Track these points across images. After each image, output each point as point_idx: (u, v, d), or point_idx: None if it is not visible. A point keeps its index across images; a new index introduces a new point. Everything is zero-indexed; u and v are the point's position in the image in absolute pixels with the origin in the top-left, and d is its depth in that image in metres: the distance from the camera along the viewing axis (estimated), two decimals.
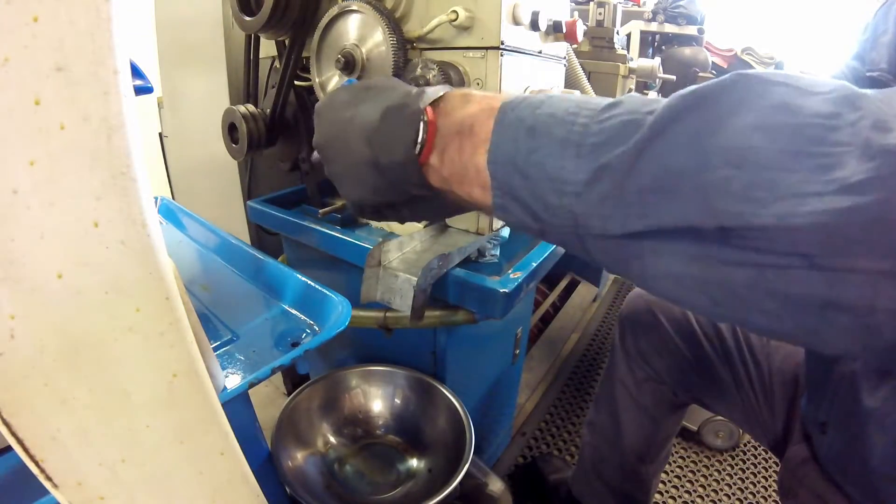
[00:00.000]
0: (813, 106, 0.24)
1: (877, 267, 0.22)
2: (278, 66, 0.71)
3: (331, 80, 0.62)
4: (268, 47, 0.73)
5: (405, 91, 0.39)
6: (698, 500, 1.10)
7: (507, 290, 0.58)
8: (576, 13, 0.76)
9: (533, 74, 0.65)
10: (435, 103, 0.37)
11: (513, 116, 0.32)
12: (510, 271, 0.63)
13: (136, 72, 0.56)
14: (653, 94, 1.63)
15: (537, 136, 0.31)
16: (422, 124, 0.36)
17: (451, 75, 0.55)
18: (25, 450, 0.22)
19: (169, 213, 0.79)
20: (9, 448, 0.33)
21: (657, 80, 1.50)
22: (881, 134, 0.22)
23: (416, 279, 0.57)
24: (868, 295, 0.23)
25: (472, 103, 0.36)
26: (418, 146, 0.36)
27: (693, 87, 0.27)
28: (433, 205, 0.43)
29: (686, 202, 0.25)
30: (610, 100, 0.30)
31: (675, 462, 1.19)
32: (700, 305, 0.28)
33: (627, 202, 0.27)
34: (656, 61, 1.47)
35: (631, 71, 1.42)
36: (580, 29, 0.68)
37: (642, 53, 2.16)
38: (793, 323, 0.25)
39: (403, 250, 0.64)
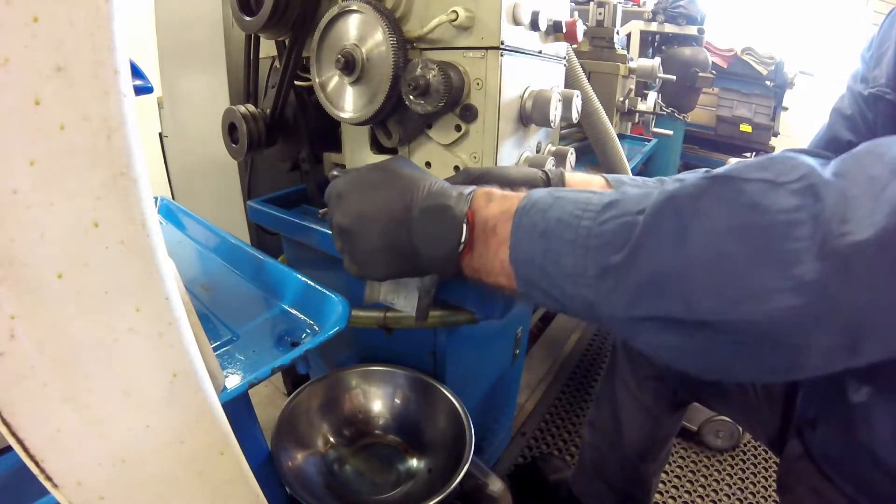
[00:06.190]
0: (779, 201, 0.28)
1: (830, 342, 0.27)
2: (278, 66, 0.71)
3: (331, 80, 0.62)
4: (268, 47, 0.73)
5: (441, 189, 0.43)
6: (698, 500, 1.10)
7: None
8: (576, 13, 0.76)
9: (533, 74, 0.65)
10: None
11: (527, 221, 0.37)
12: None
13: (136, 72, 0.56)
14: (652, 94, 1.63)
15: (549, 238, 0.36)
16: (465, 227, 0.40)
17: (451, 75, 0.55)
18: (25, 450, 0.22)
19: (169, 213, 0.79)
20: (9, 448, 0.33)
21: (657, 80, 1.50)
22: (838, 226, 0.26)
23: (420, 280, 0.57)
24: (825, 362, 0.28)
25: (493, 203, 0.41)
26: (462, 245, 0.40)
27: (674, 190, 0.31)
28: None
29: (671, 300, 0.30)
30: (608, 198, 0.35)
31: (675, 462, 1.19)
32: (693, 368, 0.34)
33: (628, 295, 0.32)
34: (656, 61, 1.47)
35: (631, 71, 1.42)
36: (580, 29, 0.68)
37: (642, 53, 2.16)
38: (771, 377, 0.32)
39: None
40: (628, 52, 1.49)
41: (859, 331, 0.27)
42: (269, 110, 0.71)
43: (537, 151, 0.72)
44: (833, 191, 0.27)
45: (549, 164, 0.66)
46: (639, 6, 2.29)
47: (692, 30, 2.14)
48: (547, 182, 0.54)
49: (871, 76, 0.54)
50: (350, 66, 0.58)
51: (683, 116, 2.26)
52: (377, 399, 0.74)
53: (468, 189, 0.43)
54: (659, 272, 0.31)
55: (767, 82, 2.63)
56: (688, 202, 0.30)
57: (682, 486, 1.13)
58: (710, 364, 0.32)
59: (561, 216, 0.36)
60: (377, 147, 0.68)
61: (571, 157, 0.73)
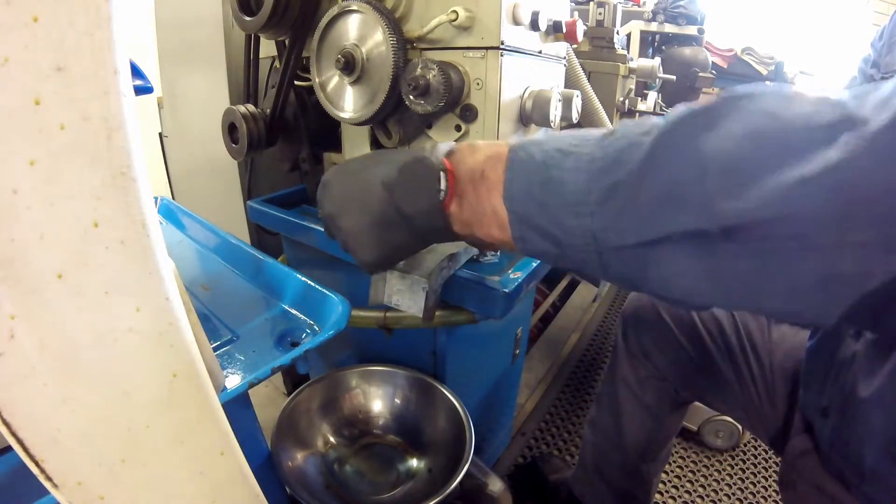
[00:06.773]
0: (796, 108, 0.27)
1: (863, 238, 0.25)
2: (278, 66, 0.71)
3: (331, 80, 0.62)
4: (268, 47, 0.73)
5: (418, 151, 0.43)
6: (698, 500, 1.10)
7: (507, 290, 0.58)
8: (576, 13, 0.76)
9: (533, 74, 0.65)
10: (447, 157, 0.41)
11: (523, 154, 0.36)
12: (510, 271, 0.63)
13: (136, 72, 0.56)
14: (652, 94, 1.63)
15: (549, 168, 0.34)
16: (442, 173, 0.40)
17: (451, 75, 0.55)
18: (25, 450, 0.22)
19: (169, 213, 0.79)
20: (9, 448, 0.33)
21: (657, 80, 1.50)
22: (859, 125, 0.25)
23: (426, 280, 0.57)
24: (860, 266, 0.26)
25: (479, 152, 0.40)
26: (442, 193, 0.40)
27: (686, 106, 0.30)
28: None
29: (691, 209, 0.28)
30: (605, 130, 0.34)
31: (675, 462, 1.19)
32: (715, 298, 0.31)
33: (639, 214, 0.30)
34: (656, 61, 1.47)
35: (631, 71, 1.42)
36: (580, 29, 0.68)
37: (642, 53, 2.16)
38: (801, 302, 0.28)
39: None
40: (628, 52, 1.48)
41: (890, 221, 0.26)
42: (269, 110, 0.71)
43: None
44: (849, 101, 0.27)
45: None
46: (639, 6, 2.28)
47: (692, 30, 2.14)
48: None
49: (884, 62, 0.59)
50: (350, 66, 0.58)
51: None
52: (377, 399, 0.74)
53: (445, 144, 0.43)
54: (675, 182, 0.29)
55: (767, 82, 2.63)
56: (701, 116, 0.29)
57: (682, 486, 1.13)
58: (736, 287, 0.29)
59: (560, 146, 0.35)
60: (377, 147, 0.68)
61: None
